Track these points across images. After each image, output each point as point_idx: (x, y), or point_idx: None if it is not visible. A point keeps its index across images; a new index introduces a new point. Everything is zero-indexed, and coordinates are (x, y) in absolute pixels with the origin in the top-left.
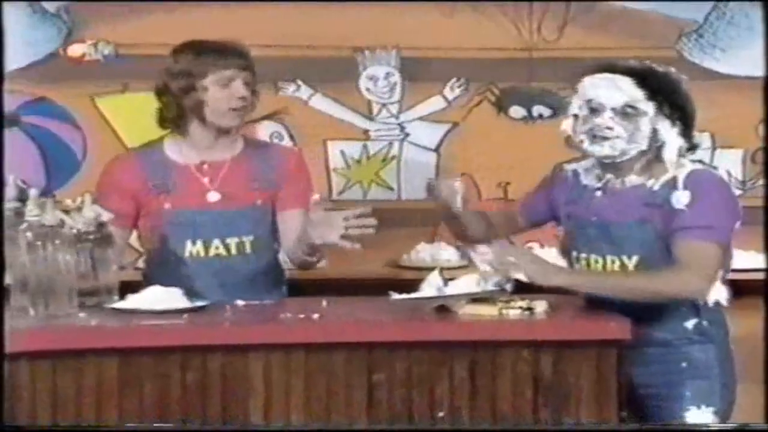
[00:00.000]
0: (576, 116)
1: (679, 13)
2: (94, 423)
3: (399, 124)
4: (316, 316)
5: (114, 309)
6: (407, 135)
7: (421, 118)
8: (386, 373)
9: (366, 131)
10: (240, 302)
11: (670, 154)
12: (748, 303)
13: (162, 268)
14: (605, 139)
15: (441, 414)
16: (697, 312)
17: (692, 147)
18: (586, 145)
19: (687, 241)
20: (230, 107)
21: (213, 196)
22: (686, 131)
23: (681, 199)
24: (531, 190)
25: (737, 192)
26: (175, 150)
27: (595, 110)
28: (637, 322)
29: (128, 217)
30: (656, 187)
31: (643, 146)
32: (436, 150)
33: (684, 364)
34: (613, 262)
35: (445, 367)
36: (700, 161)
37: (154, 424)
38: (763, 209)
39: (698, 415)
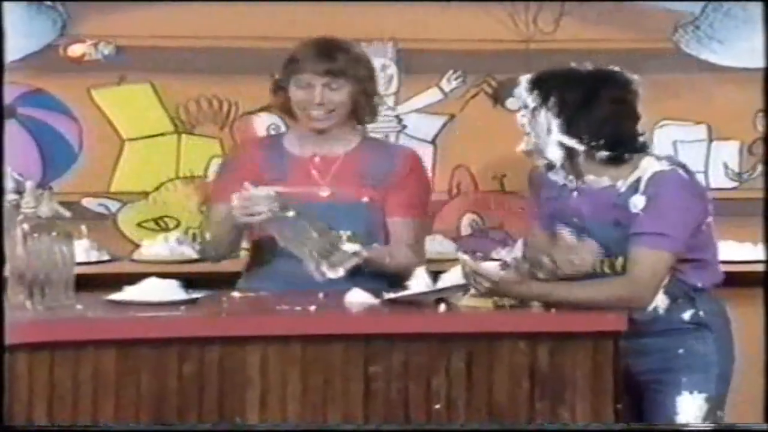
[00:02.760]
0: None
1: (676, 5)
2: (91, 414)
3: (396, 116)
4: (313, 308)
5: (111, 301)
6: (404, 127)
7: (417, 111)
8: (383, 365)
9: None
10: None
11: (552, 152)
12: (745, 294)
13: (260, 257)
14: (525, 134)
15: (437, 406)
16: (693, 303)
17: (610, 140)
18: None
19: (637, 248)
20: (310, 110)
21: (322, 191)
22: (575, 127)
23: (637, 203)
24: (530, 202)
25: (733, 184)
26: (292, 141)
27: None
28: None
29: None
30: (623, 189)
31: (546, 141)
32: (433, 142)
33: (681, 351)
34: (602, 262)
35: (441, 359)
36: (669, 158)
37: (151, 418)
38: (763, 201)
39: (690, 400)
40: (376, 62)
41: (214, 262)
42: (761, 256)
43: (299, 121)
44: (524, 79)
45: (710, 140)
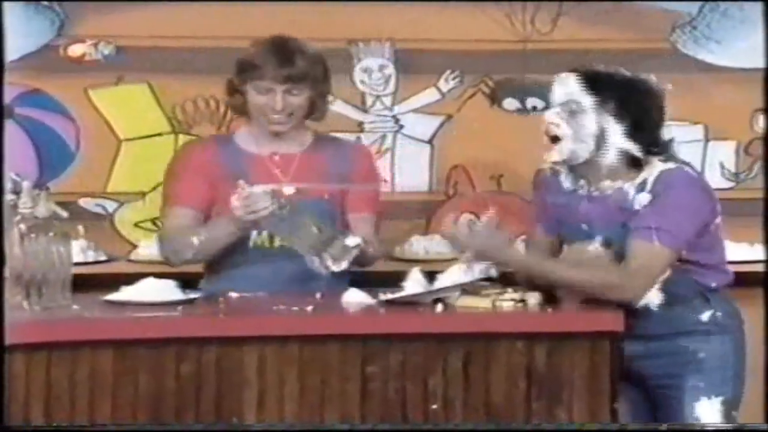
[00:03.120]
0: None
1: (674, 5)
2: (88, 414)
3: (393, 116)
4: (310, 308)
5: (109, 301)
6: (401, 127)
7: (415, 111)
8: (380, 366)
9: (360, 123)
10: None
11: (613, 155)
12: (742, 294)
13: (225, 257)
14: (555, 139)
15: (435, 406)
16: (708, 303)
17: (657, 148)
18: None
19: (634, 241)
20: (271, 115)
21: (287, 189)
22: (637, 132)
23: (641, 200)
24: (535, 205)
25: (729, 184)
26: (247, 140)
27: (548, 109)
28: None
29: (203, 200)
30: (630, 190)
31: (591, 145)
32: (430, 142)
33: (701, 355)
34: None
35: (439, 359)
36: (674, 157)
37: (149, 418)
38: (763, 200)
39: (708, 405)
40: (374, 62)
41: (175, 266)
42: (758, 257)
43: (255, 122)
44: (573, 78)
45: (707, 140)
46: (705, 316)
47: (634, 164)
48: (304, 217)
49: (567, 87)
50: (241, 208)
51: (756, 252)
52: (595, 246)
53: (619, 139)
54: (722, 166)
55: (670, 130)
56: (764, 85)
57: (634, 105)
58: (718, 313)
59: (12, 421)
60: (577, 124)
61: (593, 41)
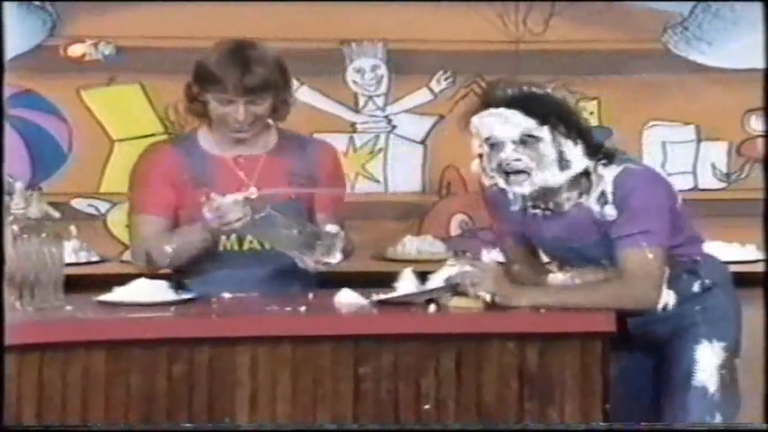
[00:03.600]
0: (480, 155)
1: (665, 6)
2: (80, 415)
3: (385, 117)
4: (302, 309)
5: (101, 301)
6: (394, 127)
7: (407, 111)
8: (372, 366)
9: (353, 124)
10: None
11: (576, 172)
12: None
13: (194, 261)
14: (518, 173)
15: (427, 407)
16: (697, 274)
17: (604, 154)
18: (502, 184)
19: (625, 251)
20: (232, 124)
21: (252, 192)
22: (587, 145)
23: (609, 212)
24: (494, 221)
25: (721, 185)
26: (209, 141)
27: (496, 146)
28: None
29: (170, 206)
30: (593, 205)
31: (555, 171)
32: (423, 142)
33: (697, 308)
34: (594, 271)
35: (431, 359)
36: (606, 156)
37: (141, 418)
38: (763, 201)
39: (710, 349)
40: (366, 63)
41: (150, 270)
42: (750, 257)
43: (217, 127)
44: (516, 112)
45: (699, 141)
46: (696, 286)
47: (579, 175)
48: (282, 222)
49: (513, 121)
50: (214, 219)
51: (748, 252)
52: (591, 269)
53: (579, 158)
54: (714, 167)
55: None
56: (764, 85)
57: (572, 119)
58: (707, 280)
59: (4, 422)
60: (537, 155)
61: (585, 42)
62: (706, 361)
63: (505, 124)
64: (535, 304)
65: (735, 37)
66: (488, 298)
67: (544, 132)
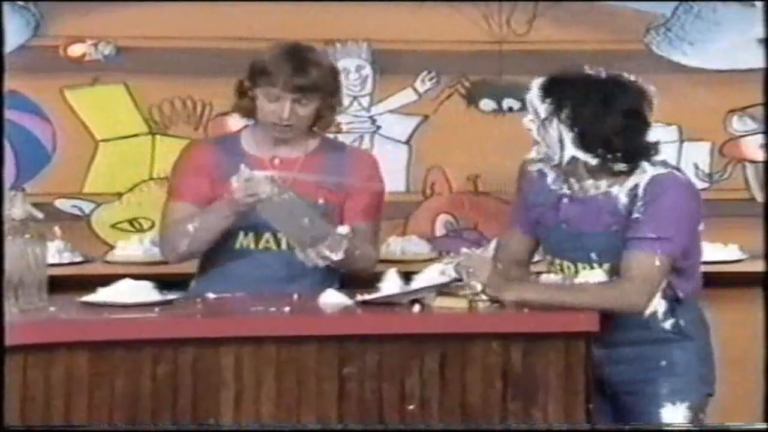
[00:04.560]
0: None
1: (648, 7)
2: (63, 416)
3: (370, 117)
4: (287, 309)
5: (85, 302)
6: (378, 128)
7: (392, 111)
8: (357, 366)
9: (338, 124)
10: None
11: (564, 161)
12: (717, 295)
13: (213, 258)
14: (534, 141)
15: (411, 407)
16: (673, 312)
17: (634, 153)
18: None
19: (631, 252)
20: (275, 122)
21: (282, 175)
22: (584, 141)
23: (636, 209)
24: (515, 200)
25: (703, 185)
26: (250, 141)
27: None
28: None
29: (204, 197)
30: (620, 195)
31: (557, 150)
32: (407, 143)
33: (663, 363)
34: (584, 268)
35: (415, 359)
36: (664, 162)
37: (125, 419)
38: (764, 204)
39: (673, 411)
40: (351, 63)
41: (174, 262)
42: (732, 257)
43: (260, 125)
44: (535, 86)
45: (681, 141)
46: (668, 324)
47: (624, 167)
48: (299, 209)
49: (530, 93)
50: (242, 189)
51: (730, 252)
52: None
53: (571, 149)
54: (697, 167)
55: (655, 133)
56: (764, 84)
57: (592, 110)
58: (681, 321)
59: (3, 422)
60: (544, 130)
61: (569, 42)
62: (674, 422)
63: (529, 92)
64: (522, 299)
65: (717, 38)
66: (479, 288)
67: (543, 110)
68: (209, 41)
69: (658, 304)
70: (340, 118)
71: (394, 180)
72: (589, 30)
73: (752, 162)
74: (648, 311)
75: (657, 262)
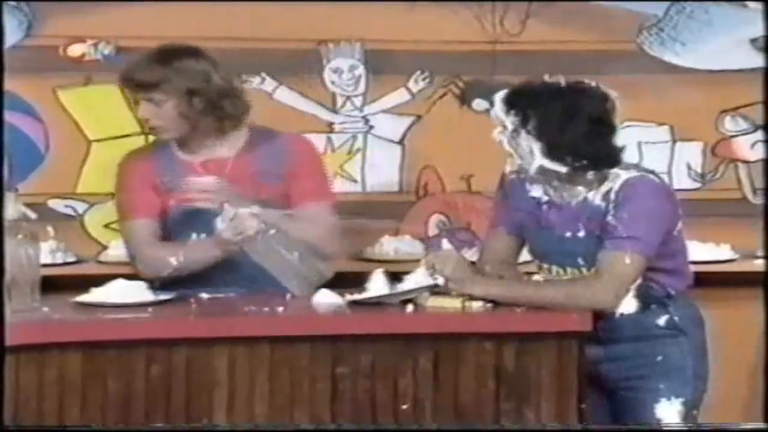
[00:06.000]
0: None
1: (640, 8)
2: (57, 417)
3: (363, 117)
4: (280, 309)
5: (78, 303)
6: (371, 128)
7: (385, 111)
8: (350, 366)
9: (330, 124)
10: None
11: (536, 172)
12: (710, 295)
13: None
14: (509, 154)
15: (404, 407)
16: (666, 308)
17: (606, 159)
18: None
19: (602, 252)
20: (147, 125)
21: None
22: (552, 150)
23: (609, 213)
24: (496, 207)
25: (696, 185)
26: (180, 146)
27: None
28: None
29: (155, 208)
30: (596, 200)
31: (530, 161)
32: (400, 143)
33: (659, 358)
34: (573, 273)
35: (408, 359)
36: (636, 166)
37: (118, 420)
38: (764, 206)
39: (668, 406)
40: (344, 63)
41: (152, 277)
42: (724, 256)
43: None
44: (498, 99)
45: (673, 141)
46: (662, 320)
47: (599, 174)
48: (286, 243)
49: (494, 107)
50: (230, 229)
51: (722, 252)
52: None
53: (540, 159)
54: (689, 167)
55: (621, 137)
56: (764, 84)
57: (557, 119)
58: (675, 317)
59: (3, 422)
60: (514, 142)
61: (561, 43)
62: (668, 419)
63: (495, 106)
64: (487, 294)
65: (709, 39)
66: (441, 282)
67: (510, 122)
68: (201, 41)
69: (651, 302)
70: (333, 118)
71: (387, 180)
72: (582, 30)
73: (744, 162)
74: (630, 309)
75: (627, 260)
